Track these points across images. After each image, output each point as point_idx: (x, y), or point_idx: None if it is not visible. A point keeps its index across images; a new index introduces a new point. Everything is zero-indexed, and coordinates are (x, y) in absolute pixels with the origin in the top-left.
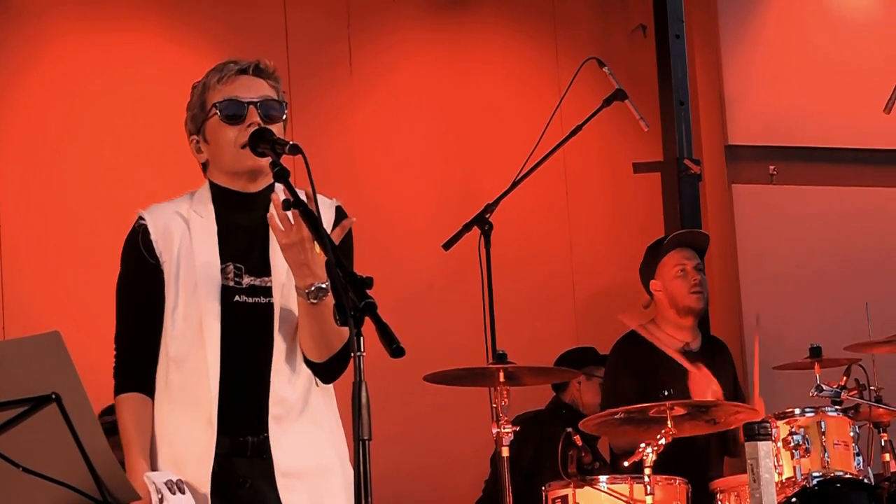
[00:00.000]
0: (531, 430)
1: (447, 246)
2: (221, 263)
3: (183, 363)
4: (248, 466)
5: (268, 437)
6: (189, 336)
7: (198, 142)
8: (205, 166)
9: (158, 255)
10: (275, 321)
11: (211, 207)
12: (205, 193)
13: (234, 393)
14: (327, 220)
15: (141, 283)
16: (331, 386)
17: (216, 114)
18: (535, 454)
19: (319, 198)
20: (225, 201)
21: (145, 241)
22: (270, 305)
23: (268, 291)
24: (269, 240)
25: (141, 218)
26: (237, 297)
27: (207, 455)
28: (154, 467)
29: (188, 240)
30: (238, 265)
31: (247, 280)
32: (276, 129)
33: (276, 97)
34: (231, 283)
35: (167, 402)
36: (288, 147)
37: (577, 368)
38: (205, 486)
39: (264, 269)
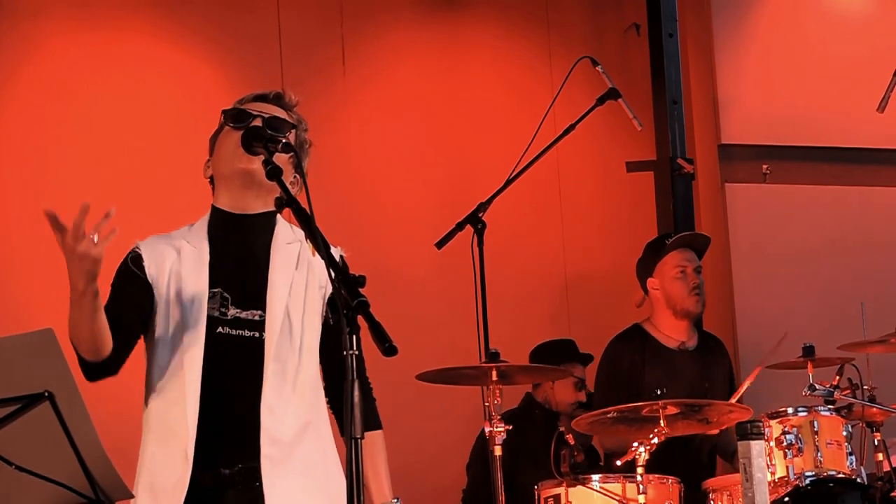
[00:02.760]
0: (529, 420)
1: (440, 245)
2: (210, 289)
3: (162, 392)
4: (233, 499)
5: (256, 470)
6: (171, 365)
7: (208, 161)
8: (212, 187)
9: (149, 278)
10: (265, 358)
11: (205, 235)
12: (202, 224)
13: (215, 426)
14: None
15: (129, 288)
16: (328, 419)
17: (224, 123)
18: (510, 454)
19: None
20: (221, 227)
21: (136, 263)
22: (260, 341)
23: (255, 325)
24: (266, 273)
25: (136, 247)
26: (219, 329)
27: (181, 487)
28: (134, 494)
29: (178, 268)
30: (225, 295)
31: (232, 312)
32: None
33: (281, 117)
34: (216, 314)
35: (148, 431)
36: (281, 145)
37: (555, 364)
38: None
39: (255, 302)
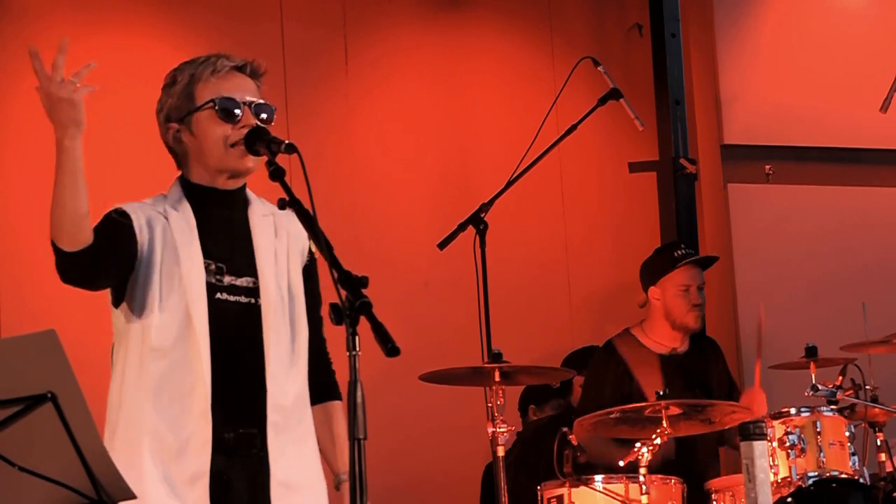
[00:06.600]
0: (552, 436)
1: (442, 245)
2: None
3: (168, 353)
4: (234, 464)
5: (255, 437)
6: (174, 327)
7: (178, 131)
8: (177, 158)
9: (137, 231)
10: (264, 326)
11: (187, 205)
12: (177, 193)
13: (220, 391)
14: None
15: (113, 233)
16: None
17: (211, 108)
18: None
19: None
20: (200, 199)
21: (123, 216)
22: (256, 307)
23: (251, 292)
24: (251, 241)
25: (118, 207)
26: (218, 295)
27: (204, 446)
28: (138, 462)
29: (170, 233)
30: (219, 264)
31: (227, 279)
32: None
33: (263, 101)
34: (213, 280)
35: (147, 396)
36: (284, 146)
37: (583, 369)
38: (204, 478)
39: (246, 269)
